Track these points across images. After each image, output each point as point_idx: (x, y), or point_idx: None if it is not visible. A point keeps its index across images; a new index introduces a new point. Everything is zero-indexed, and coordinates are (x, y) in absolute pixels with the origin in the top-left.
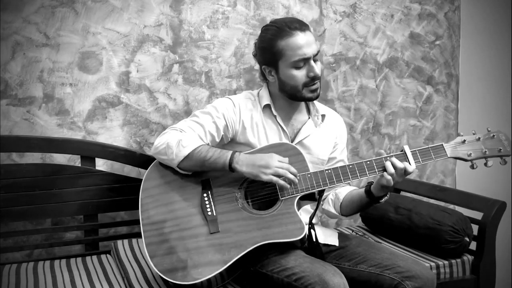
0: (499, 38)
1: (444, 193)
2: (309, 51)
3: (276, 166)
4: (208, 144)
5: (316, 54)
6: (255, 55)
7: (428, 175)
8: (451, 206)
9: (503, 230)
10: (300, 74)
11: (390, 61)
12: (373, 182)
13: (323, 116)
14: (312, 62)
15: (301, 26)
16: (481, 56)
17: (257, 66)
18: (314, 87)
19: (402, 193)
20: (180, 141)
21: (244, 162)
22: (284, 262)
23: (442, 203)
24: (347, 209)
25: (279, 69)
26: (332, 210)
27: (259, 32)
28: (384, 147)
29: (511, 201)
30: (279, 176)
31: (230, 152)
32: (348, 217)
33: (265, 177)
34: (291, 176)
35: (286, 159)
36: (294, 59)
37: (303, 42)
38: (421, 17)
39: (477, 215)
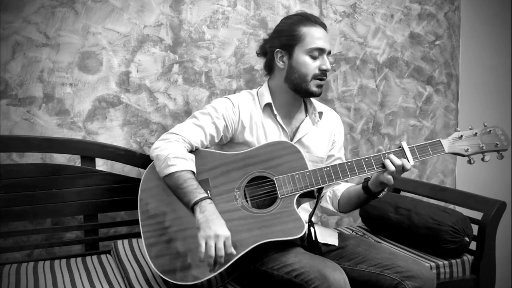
0: (499, 38)
1: (444, 193)
2: (326, 46)
3: (218, 243)
4: (194, 173)
5: (329, 54)
6: (261, 49)
7: (428, 175)
8: (451, 206)
9: (503, 230)
10: (313, 64)
11: (390, 61)
12: (370, 178)
13: (320, 113)
14: (325, 56)
15: (323, 25)
16: (481, 56)
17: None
18: (321, 82)
19: (402, 193)
20: (168, 157)
21: (206, 213)
22: (284, 259)
23: (442, 203)
24: (345, 206)
25: (293, 54)
26: (330, 207)
27: (259, 32)
28: (384, 147)
29: (511, 201)
30: (213, 248)
31: (204, 195)
32: (346, 213)
33: (202, 239)
34: (216, 260)
35: (232, 251)
36: (312, 46)
37: (322, 36)
38: (421, 17)
39: (477, 215)
